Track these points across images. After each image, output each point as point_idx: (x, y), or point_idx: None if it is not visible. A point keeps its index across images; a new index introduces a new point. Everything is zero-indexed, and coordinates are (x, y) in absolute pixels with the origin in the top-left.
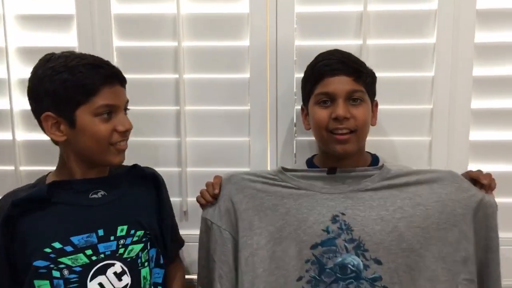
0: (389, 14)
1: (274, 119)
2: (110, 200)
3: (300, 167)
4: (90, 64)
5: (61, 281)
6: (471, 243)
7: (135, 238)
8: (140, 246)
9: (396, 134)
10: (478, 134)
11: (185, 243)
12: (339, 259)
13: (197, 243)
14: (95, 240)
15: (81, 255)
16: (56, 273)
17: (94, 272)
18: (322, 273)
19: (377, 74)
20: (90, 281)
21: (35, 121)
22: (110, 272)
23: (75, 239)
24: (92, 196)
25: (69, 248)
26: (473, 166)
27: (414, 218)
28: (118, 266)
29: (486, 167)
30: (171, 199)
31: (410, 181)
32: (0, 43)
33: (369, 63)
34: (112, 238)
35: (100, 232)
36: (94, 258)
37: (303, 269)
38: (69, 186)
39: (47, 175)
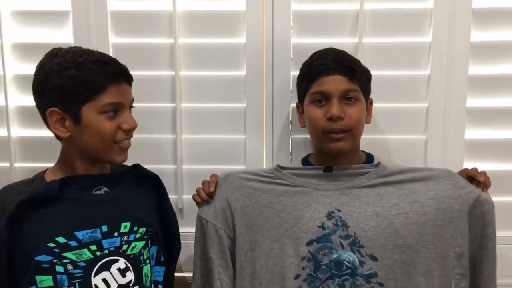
0: (385, 12)
1: (270, 116)
2: (113, 197)
3: (296, 166)
4: (98, 61)
5: (64, 276)
6: (466, 240)
7: (138, 235)
8: (142, 243)
9: (392, 132)
10: (473, 133)
11: (181, 241)
12: (335, 256)
13: (192, 241)
14: (99, 235)
15: (85, 250)
16: (59, 268)
17: (98, 267)
18: (317, 270)
19: (372, 73)
20: (94, 276)
21: (31, 118)
22: (114, 268)
23: (79, 234)
24: (95, 192)
25: (73, 243)
26: (468, 165)
27: (410, 214)
28: (122, 262)
29: (481, 166)
30: None
31: (406, 179)
32: None
33: (365, 62)
34: (116, 234)
35: (104, 228)
36: (98, 253)
37: (300, 267)
38: (72, 181)
39: (45, 171)
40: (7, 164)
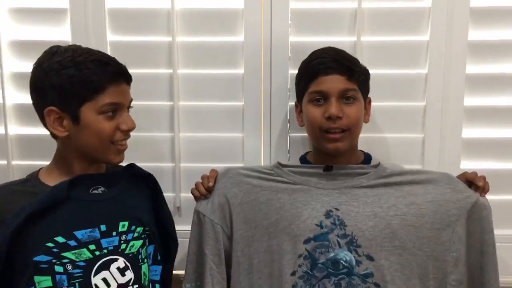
0: (383, 11)
1: (268, 115)
2: (111, 197)
3: (293, 163)
4: (98, 61)
5: (64, 276)
6: (463, 244)
7: (136, 234)
8: (140, 242)
9: (389, 131)
10: (470, 132)
11: (179, 239)
12: (332, 254)
13: None
14: (98, 235)
15: (84, 249)
16: (59, 268)
17: (97, 267)
18: (314, 268)
19: (370, 71)
20: (94, 276)
21: (28, 115)
22: (113, 267)
23: (78, 234)
24: (93, 192)
25: (72, 243)
26: (465, 164)
27: (408, 216)
28: (121, 262)
29: (478, 165)
30: (164, 194)
31: (405, 181)
32: None
33: (363, 60)
34: (114, 233)
35: (103, 228)
36: (97, 253)
37: (296, 264)
38: (79, 182)
39: (39, 170)
40: (5, 162)
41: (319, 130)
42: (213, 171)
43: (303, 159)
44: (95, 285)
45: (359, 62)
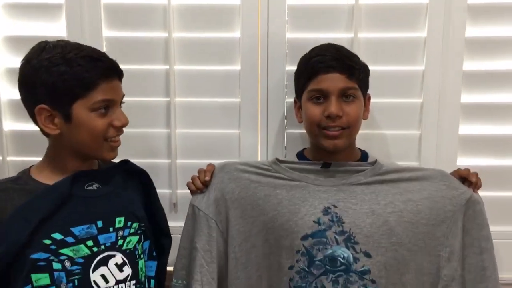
0: (381, 7)
1: (264, 111)
2: (106, 193)
3: (291, 160)
4: (89, 57)
5: (62, 273)
6: (458, 240)
7: (132, 230)
8: (136, 238)
9: (386, 127)
10: (467, 128)
11: (174, 236)
12: (329, 251)
13: None
14: (95, 231)
15: (82, 246)
16: (57, 265)
17: (96, 263)
18: (311, 265)
19: None
20: (93, 272)
21: (24, 111)
22: (111, 263)
23: (75, 230)
24: (87, 188)
25: (70, 239)
26: (462, 160)
27: (405, 213)
28: (119, 257)
29: (474, 161)
30: (161, 191)
31: (401, 178)
32: None
33: (360, 56)
34: (111, 229)
35: (99, 224)
36: (95, 249)
37: (294, 259)
38: (79, 178)
39: (30, 168)
40: (0, 158)
41: (317, 128)
42: (210, 165)
43: (301, 155)
44: (94, 281)
45: (359, 58)
